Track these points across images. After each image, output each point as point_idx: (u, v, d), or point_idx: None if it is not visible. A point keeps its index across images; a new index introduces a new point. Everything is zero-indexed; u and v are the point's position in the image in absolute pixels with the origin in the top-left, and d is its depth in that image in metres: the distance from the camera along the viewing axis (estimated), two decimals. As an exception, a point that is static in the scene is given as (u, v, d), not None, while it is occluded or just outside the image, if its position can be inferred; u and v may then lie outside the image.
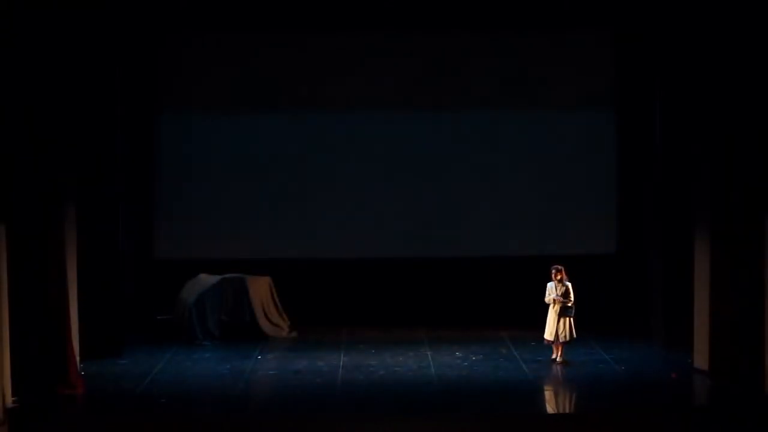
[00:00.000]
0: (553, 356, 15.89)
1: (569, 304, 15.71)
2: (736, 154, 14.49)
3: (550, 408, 14.55)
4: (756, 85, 14.33)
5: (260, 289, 18.29)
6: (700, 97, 15.38)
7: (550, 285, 15.76)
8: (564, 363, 15.78)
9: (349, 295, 18.96)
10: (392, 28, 18.76)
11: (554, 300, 15.70)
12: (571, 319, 15.73)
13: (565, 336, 15.73)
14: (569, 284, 15.76)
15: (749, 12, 14.33)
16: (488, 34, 18.95)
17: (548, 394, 15.02)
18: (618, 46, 18.85)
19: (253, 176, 19.08)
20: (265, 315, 18.24)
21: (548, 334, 15.79)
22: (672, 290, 16.92)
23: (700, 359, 15.33)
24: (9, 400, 13.62)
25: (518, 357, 16.35)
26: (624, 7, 17.77)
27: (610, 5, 17.96)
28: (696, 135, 15.72)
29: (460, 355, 16.61)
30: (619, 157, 19.05)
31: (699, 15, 15.27)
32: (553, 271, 15.76)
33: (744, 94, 14.42)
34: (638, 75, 18.22)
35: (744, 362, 14.38)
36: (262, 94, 18.99)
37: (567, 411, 14.40)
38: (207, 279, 18.24)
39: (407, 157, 19.14)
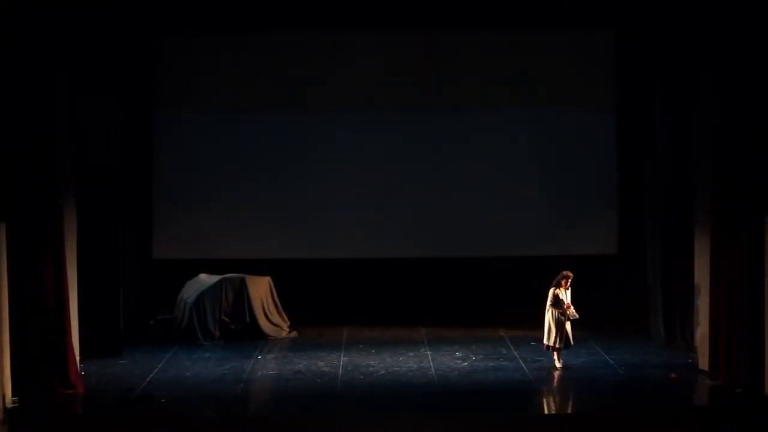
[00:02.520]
0: (559, 364, 15.62)
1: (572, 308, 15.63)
2: (736, 154, 14.48)
3: (549, 408, 14.54)
4: (756, 85, 14.32)
5: (260, 289, 18.29)
6: (700, 97, 15.38)
7: (558, 292, 15.47)
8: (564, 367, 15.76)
9: (349, 295, 18.96)
10: (391, 28, 18.76)
11: (568, 307, 15.45)
12: None
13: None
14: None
15: (749, 12, 14.32)
16: (488, 34, 18.96)
17: (548, 395, 15.01)
18: (618, 46, 18.85)
19: (252, 176, 19.09)
20: (265, 315, 18.24)
21: (559, 342, 15.47)
22: (672, 290, 16.91)
23: (700, 359, 15.34)
24: (9, 400, 13.62)
25: (518, 357, 16.34)
26: (624, 7, 17.75)
27: (610, 5, 17.95)
28: (696, 135, 15.73)
29: (460, 355, 16.60)
30: (619, 157, 19.05)
31: (699, 15, 15.27)
32: (567, 279, 15.52)
33: (744, 94, 14.41)
34: (638, 75, 18.21)
35: (744, 362, 14.38)
36: (261, 94, 18.99)
37: (567, 411, 14.39)
38: (207, 279, 18.24)
39: (407, 156, 19.13)
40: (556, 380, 15.32)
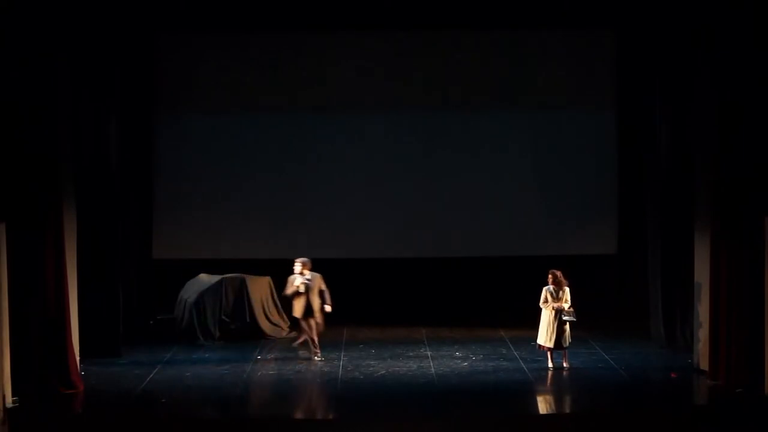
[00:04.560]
0: (551, 364, 15.62)
1: (572, 309, 15.59)
2: (736, 154, 14.48)
3: (549, 408, 14.53)
4: (756, 85, 14.32)
5: (260, 289, 18.30)
6: (700, 97, 15.38)
7: (548, 289, 15.48)
8: (569, 368, 15.70)
9: (349, 295, 18.92)
10: (390, 28, 18.76)
11: (558, 306, 15.45)
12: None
13: (569, 341, 15.65)
14: (567, 287, 15.66)
15: (748, 12, 14.31)
16: (488, 34, 18.96)
17: (548, 395, 15.00)
18: (618, 46, 18.86)
19: (252, 176, 19.08)
20: (265, 315, 18.25)
21: (548, 341, 15.47)
22: (672, 290, 16.90)
23: (700, 359, 15.34)
24: (9, 400, 13.62)
25: (518, 357, 16.35)
26: (624, 7, 17.75)
27: (610, 5, 17.95)
28: (696, 135, 15.72)
29: (460, 355, 16.61)
30: (619, 157, 19.06)
31: (699, 15, 15.26)
32: (552, 276, 15.47)
33: (743, 93, 14.41)
34: (638, 75, 18.20)
35: (744, 362, 14.37)
36: (262, 94, 18.99)
37: (567, 411, 14.38)
38: (207, 279, 18.24)
39: (407, 157, 19.14)
40: (555, 380, 15.30)
